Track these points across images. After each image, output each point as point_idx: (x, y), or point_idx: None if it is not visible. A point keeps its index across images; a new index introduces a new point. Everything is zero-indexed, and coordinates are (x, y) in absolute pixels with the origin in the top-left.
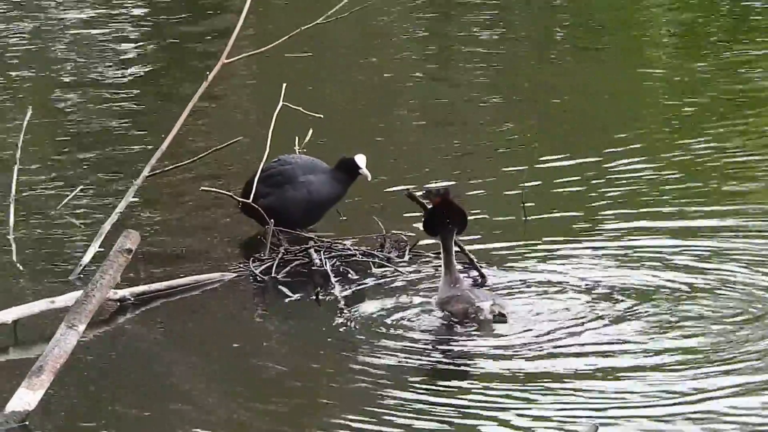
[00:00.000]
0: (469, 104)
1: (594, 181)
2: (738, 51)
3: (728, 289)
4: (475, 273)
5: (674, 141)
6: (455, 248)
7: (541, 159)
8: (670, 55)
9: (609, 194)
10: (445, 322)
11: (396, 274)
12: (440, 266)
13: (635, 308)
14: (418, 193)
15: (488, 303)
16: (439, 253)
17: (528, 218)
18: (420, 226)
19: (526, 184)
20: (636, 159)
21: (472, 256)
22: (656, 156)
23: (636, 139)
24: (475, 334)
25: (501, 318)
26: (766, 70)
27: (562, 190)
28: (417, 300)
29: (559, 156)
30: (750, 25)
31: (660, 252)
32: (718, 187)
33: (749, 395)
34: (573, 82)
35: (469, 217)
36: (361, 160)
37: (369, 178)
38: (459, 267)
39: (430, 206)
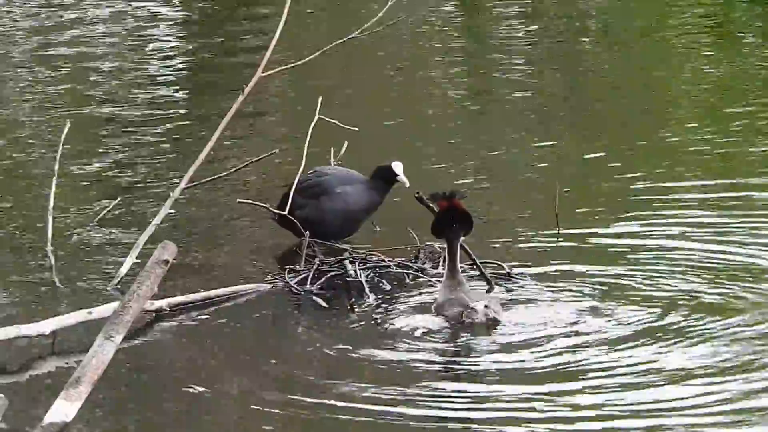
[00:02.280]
0: (506, 112)
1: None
2: None
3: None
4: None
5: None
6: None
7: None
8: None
9: (642, 198)
10: (467, 337)
11: (429, 285)
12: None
13: (647, 318)
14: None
15: (482, 306)
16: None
17: (560, 229)
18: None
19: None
20: (669, 166)
21: (478, 262)
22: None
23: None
24: (502, 349)
25: (494, 321)
26: None
27: (597, 198)
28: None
29: (595, 156)
30: None
31: (695, 259)
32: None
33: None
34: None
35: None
36: (398, 167)
37: (407, 185)
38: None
39: (436, 209)
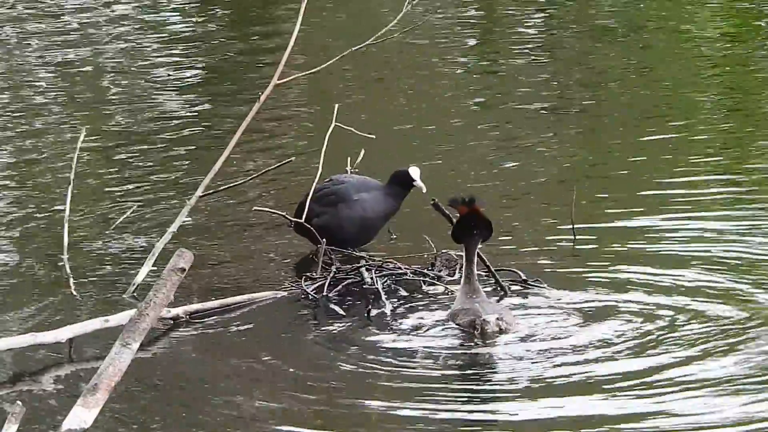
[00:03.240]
0: (525, 118)
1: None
2: None
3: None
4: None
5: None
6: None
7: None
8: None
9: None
10: (484, 344)
11: (446, 292)
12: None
13: (658, 332)
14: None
15: (494, 317)
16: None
17: (577, 238)
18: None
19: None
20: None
21: (493, 270)
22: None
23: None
24: (503, 354)
25: (505, 332)
26: None
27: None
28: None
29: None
30: None
31: (714, 261)
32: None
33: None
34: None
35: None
36: (415, 172)
37: (424, 190)
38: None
39: (456, 215)
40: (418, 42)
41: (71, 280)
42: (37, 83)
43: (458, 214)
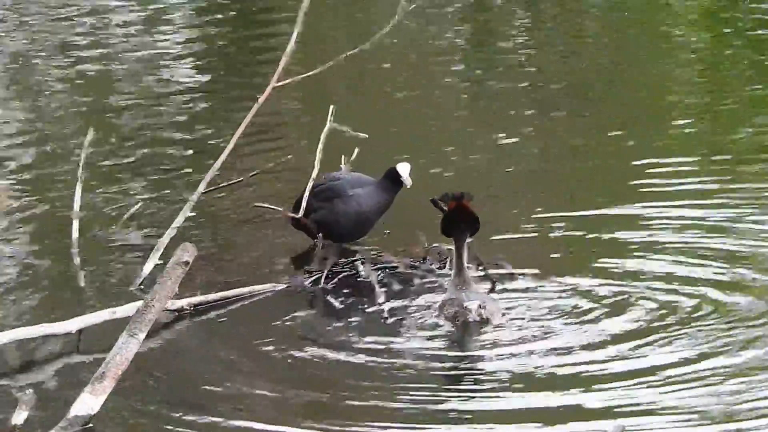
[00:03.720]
0: (511, 117)
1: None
2: None
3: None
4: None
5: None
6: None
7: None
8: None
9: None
10: (474, 334)
11: (437, 284)
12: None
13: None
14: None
15: (476, 305)
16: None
17: (566, 230)
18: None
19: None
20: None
21: (484, 262)
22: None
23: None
24: (490, 343)
25: (486, 321)
26: None
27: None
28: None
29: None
30: None
31: (701, 253)
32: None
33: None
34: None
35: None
36: (403, 168)
37: (409, 185)
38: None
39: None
40: (409, 45)
41: (80, 274)
42: (45, 84)
43: (446, 210)
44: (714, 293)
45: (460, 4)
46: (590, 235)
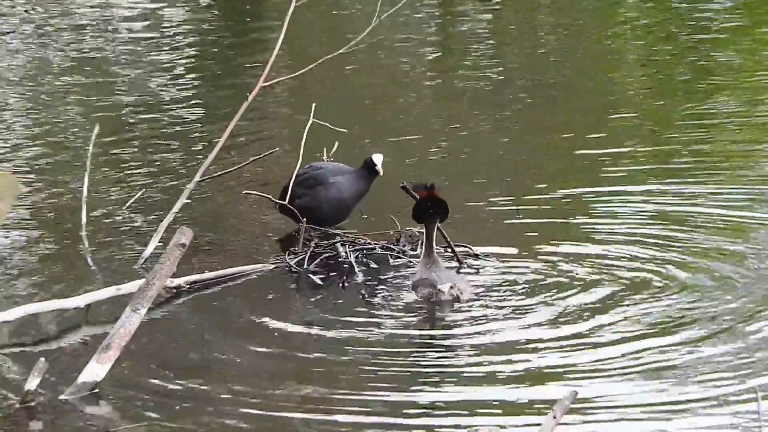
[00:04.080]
0: (474, 105)
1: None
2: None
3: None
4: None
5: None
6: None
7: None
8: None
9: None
10: (441, 308)
11: (409, 264)
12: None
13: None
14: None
15: (448, 286)
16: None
17: (521, 215)
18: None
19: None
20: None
21: (452, 244)
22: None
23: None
24: (458, 316)
25: (458, 300)
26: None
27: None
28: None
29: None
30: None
31: (647, 236)
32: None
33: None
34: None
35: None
36: (377, 158)
37: (381, 174)
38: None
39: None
40: (381, 48)
41: (88, 254)
42: (55, 75)
43: (418, 198)
44: (666, 270)
45: (429, 11)
46: (547, 219)
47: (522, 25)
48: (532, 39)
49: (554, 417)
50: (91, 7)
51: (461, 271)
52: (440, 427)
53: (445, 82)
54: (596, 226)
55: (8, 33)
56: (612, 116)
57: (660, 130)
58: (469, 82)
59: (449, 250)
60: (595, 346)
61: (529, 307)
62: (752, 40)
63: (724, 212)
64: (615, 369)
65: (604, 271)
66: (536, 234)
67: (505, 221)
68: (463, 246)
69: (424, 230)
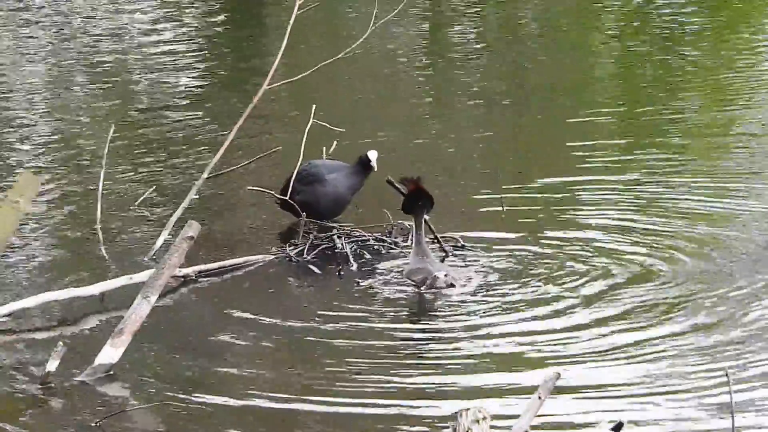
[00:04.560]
0: (461, 110)
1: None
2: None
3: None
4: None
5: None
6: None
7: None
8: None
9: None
10: (431, 295)
11: (401, 255)
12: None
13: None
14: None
15: (443, 273)
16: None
17: (505, 207)
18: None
19: (503, 195)
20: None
21: (438, 236)
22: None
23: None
24: (447, 304)
25: (452, 286)
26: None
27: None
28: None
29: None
30: None
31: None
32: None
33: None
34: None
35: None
36: (372, 155)
37: (375, 169)
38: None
39: (405, 191)
40: (380, 52)
41: (103, 245)
42: (73, 79)
43: (406, 192)
44: (649, 259)
45: (417, 16)
46: (530, 207)
47: (506, 33)
48: (517, 44)
49: (539, 397)
50: (108, 12)
51: (446, 260)
52: (428, 407)
53: (433, 84)
54: (579, 215)
55: (31, 37)
56: (589, 110)
57: (637, 122)
58: (454, 85)
59: (435, 240)
60: (578, 329)
61: (515, 295)
62: (721, 41)
63: (703, 202)
64: (597, 353)
65: (588, 258)
66: (520, 223)
67: (489, 210)
68: (449, 236)
69: (413, 221)
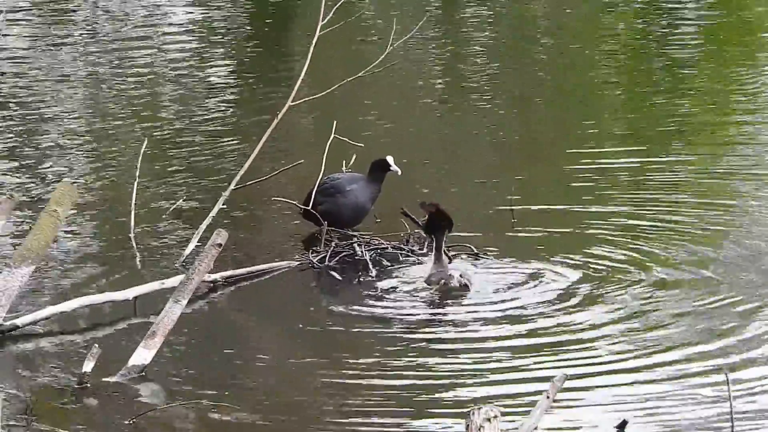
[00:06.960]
0: (474, 120)
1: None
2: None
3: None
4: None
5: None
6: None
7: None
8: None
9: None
10: (446, 299)
11: (418, 263)
12: (432, 255)
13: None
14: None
15: (457, 273)
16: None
17: (515, 216)
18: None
19: (513, 200)
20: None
21: (444, 249)
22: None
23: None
24: (460, 308)
25: (465, 287)
26: None
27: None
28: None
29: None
30: None
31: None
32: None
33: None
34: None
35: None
36: (390, 159)
37: (399, 173)
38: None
39: (425, 216)
40: (392, 75)
41: (136, 253)
42: (102, 87)
43: (427, 215)
44: (643, 264)
45: (428, 31)
46: (536, 221)
47: (517, 44)
48: (526, 54)
49: (548, 397)
50: (143, 17)
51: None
52: (442, 407)
53: (447, 100)
54: (588, 224)
55: (63, 45)
56: (593, 115)
57: (640, 128)
58: (468, 99)
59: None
60: (584, 332)
61: (524, 300)
62: (722, 60)
63: (704, 207)
64: (602, 356)
65: (595, 265)
66: (530, 229)
67: (499, 223)
68: (464, 245)
69: (434, 241)
